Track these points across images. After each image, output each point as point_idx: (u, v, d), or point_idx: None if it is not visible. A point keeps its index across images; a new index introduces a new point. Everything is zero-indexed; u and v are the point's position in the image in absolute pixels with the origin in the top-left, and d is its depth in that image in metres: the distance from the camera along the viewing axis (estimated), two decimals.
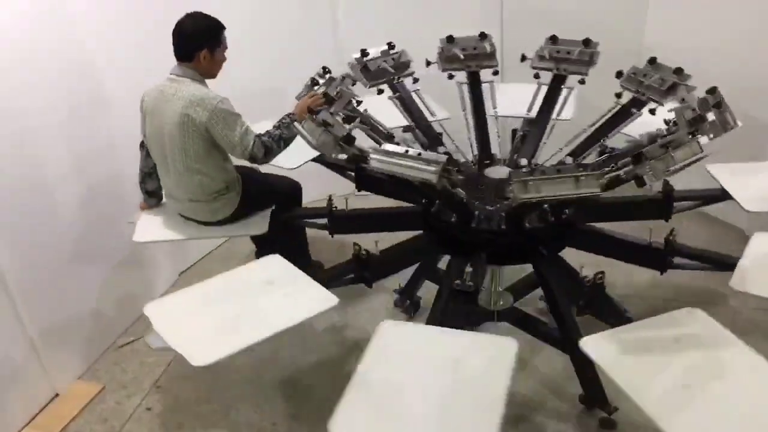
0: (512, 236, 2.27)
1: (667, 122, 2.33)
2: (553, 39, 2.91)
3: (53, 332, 2.67)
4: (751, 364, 1.67)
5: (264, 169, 2.85)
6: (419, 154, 1.87)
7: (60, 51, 2.57)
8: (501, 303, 2.80)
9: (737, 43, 3.35)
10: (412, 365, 1.75)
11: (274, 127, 2.49)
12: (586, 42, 2.85)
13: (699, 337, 1.78)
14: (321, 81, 2.57)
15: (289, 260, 2.89)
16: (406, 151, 1.88)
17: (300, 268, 2.18)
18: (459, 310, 2.10)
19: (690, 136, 1.90)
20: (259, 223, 2.61)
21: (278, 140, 2.45)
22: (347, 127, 2.21)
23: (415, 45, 2.90)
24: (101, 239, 2.89)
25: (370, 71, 2.80)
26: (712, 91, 2.23)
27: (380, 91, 2.83)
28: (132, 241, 2.63)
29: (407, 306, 3.04)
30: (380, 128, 2.64)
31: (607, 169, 1.99)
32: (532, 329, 2.72)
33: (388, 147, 1.93)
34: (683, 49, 2.69)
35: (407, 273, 2.96)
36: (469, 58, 2.92)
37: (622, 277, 3.10)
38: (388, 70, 2.81)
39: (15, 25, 2.37)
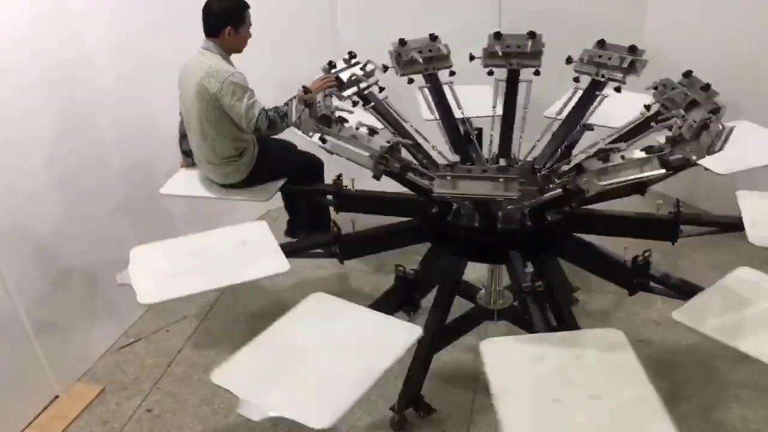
0: (483, 234, 2.28)
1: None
2: (601, 43, 2.82)
3: (53, 334, 2.72)
4: (637, 394, 1.59)
5: (300, 143, 3.05)
6: (366, 140, 1.96)
7: (60, 51, 2.66)
8: (501, 302, 2.79)
9: (737, 43, 3.25)
10: (318, 334, 1.85)
11: (284, 103, 2.68)
12: (632, 48, 2.73)
13: (601, 359, 1.72)
14: (342, 65, 2.71)
15: (310, 229, 3.08)
16: (354, 136, 1.98)
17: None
18: (396, 296, 2.16)
19: (644, 153, 1.81)
20: (265, 192, 2.81)
21: (283, 116, 2.64)
22: (335, 108, 2.32)
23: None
24: (100, 241, 2.92)
25: (402, 59, 2.88)
26: (716, 111, 2.09)
27: (410, 81, 2.91)
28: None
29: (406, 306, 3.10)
30: (395, 117, 2.73)
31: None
32: (531, 327, 2.68)
33: (344, 131, 2.03)
34: (683, 50, 2.53)
35: None
36: (512, 56, 2.91)
37: None
38: (418, 61, 2.88)
39: (15, 25, 2.46)
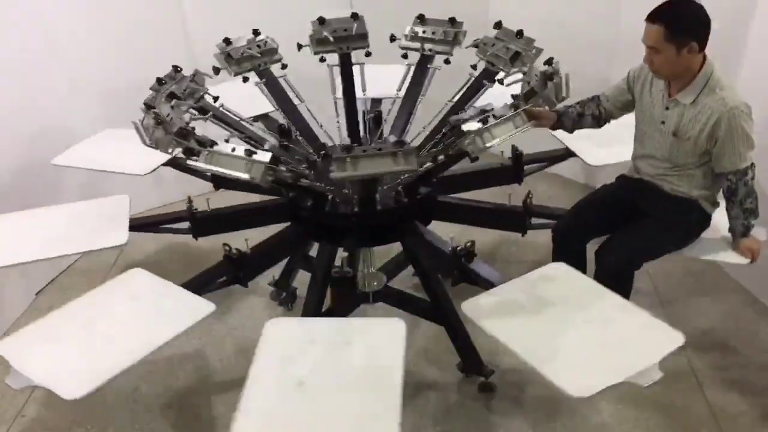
0: (368, 218, 2.29)
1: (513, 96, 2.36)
2: (421, 18, 2.92)
3: None
4: (618, 306, 1.81)
5: None
6: (248, 153, 1.85)
7: None
8: (375, 284, 2.79)
9: (576, 13, 3.72)
10: (305, 360, 1.73)
11: None
12: (452, 21, 2.86)
13: (566, 288, 1.90)
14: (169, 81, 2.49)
15: None
16: (233, 149, 1.86)
17: None
18: (344, 297, 2.11)
19: (512, 110, 1.94)
20: (119, 233, 2.37)
21: None
22: (186, 120, 2.16)
23: (270, 33, 2.89)
24: None
25: (233, 59, 2.76)
26: (549, 62, 2.27)
27: (245, 79, 2.80)
28: None
29: (283, 298, 3.02)
30: (234, 122, 2.62)
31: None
32: (407, 306, 2.74)
33: (217, 147, 1.90)
34: (526, 20, 2.75)
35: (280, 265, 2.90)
36: (341, 40, 2.90)
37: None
38: (254, 56, 2.78)
39: None
